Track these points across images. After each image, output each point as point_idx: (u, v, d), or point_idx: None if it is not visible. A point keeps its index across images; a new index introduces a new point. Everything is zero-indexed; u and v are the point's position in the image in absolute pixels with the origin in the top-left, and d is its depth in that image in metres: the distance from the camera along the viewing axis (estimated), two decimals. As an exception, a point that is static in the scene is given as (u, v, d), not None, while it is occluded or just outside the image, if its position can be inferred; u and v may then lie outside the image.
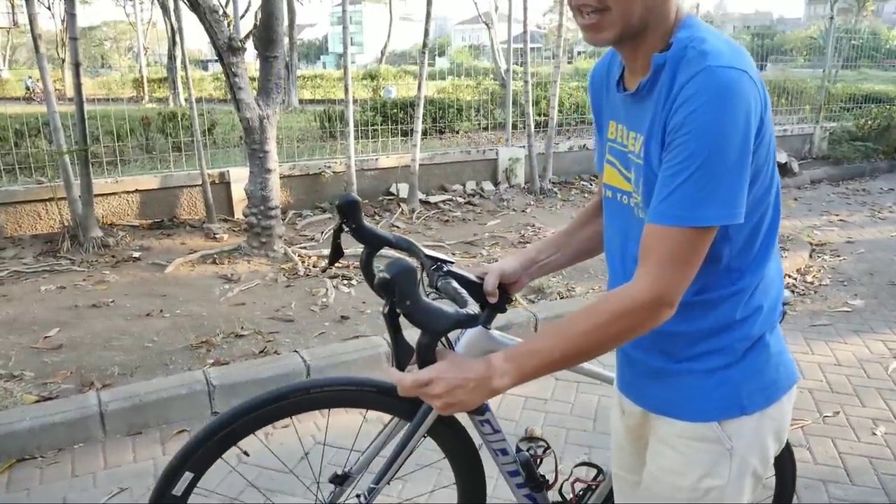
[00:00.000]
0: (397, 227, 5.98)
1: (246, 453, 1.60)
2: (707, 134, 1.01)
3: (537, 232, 5.91)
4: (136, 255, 4.98)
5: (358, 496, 1.66)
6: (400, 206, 6.47)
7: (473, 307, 1.12)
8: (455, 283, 1.32)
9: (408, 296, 0.99)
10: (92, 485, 2.64)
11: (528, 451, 1.66)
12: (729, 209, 1.04)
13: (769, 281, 1.22)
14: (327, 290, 4.38)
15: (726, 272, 1.15)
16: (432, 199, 6.79)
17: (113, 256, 4.95)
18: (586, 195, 7.41)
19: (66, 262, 4.80)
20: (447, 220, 6.25)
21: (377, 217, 6.22)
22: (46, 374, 3.26)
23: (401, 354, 1.09)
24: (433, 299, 1.32)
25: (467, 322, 1.07)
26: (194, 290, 4.39)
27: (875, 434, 2.96)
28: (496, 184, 7.44)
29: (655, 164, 1.10)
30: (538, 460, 1.66)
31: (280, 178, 5.70)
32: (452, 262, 1.42)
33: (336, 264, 1.44)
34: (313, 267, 4.84)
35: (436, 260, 1.41)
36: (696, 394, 1.21)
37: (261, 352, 3.53)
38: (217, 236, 5.42)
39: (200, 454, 1.44)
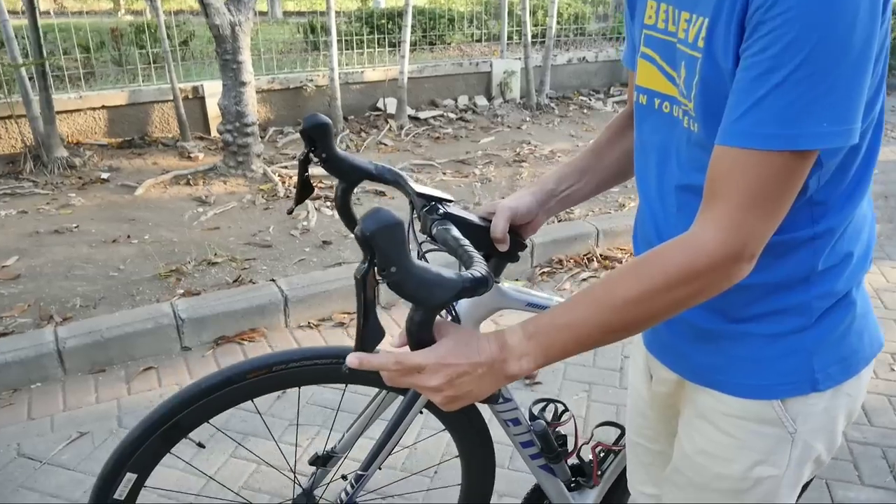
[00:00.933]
0: (385, 144, 5.64)
1: (201, 445, 1.37)
2: (816, 13, 0.69)
3: (533, 150, 5.59)
4: (105, 176, 4.66)
5: (344, 477, 1.43)
6: (387, 123, 6.11)
7: (481, 266, 0.82)
8: (454, 231, 1.01)
9: (393, 260, 0.71)
10: (49, 429, 2.43)
11: (540, 413, 1.41)
12: (843, 124, 0.73)
13: (860, 221, 0.93)
14: (308, 213, 4.10)
15: (808, 208, 0.86)
16: (422, 114, 6.41)
17: (80, 178, 4.62)
18: (585, 111, 7.04)
19: (28, 184, 4.47)
20: (438, 137, 5.90)
21: (363, 134, 5.87)
22: (2, 307, 3.01)
23: (367, 336, 0.80)
24: (427, 252, 1.02)
25: (474, 289, 0.78)
26: (166, 213, 4.10)
27: (894, 370, 2.76)
28: (490, 99, 7.04)
29: (725, 60, 0.78)
30: (554, 428, 1.42)
31: (258, 92, 5.33)
32: (451, 202, 1.11)
33: (311, 194, 1.16)
34: (294, 188, 4.53)
35: (429, 199, 1.10)
36: (755, 364, 0.94)
37: (235, 281, 3.28)
38: (192, 155, 5.08)
39: (141, 453, 1.20)
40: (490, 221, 1.12)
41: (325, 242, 3.72)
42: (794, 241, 0.88)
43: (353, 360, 0.80)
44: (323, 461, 1.45)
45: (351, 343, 2.88)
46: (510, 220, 1.12)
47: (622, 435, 1.51)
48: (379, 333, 0.80)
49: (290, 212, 1.23)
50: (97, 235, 3.76)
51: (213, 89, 5.47)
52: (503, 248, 1.12)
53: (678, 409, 1.10)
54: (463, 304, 1.20)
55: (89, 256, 3.51)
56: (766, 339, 0.93)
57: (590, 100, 7.38)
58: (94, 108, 5.26)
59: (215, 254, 3.52)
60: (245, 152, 4.65)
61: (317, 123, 1.09)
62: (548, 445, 1.37)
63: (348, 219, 1.21)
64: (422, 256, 1.01)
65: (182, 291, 3.16)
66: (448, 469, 2.21)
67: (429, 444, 2.29)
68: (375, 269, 0.72)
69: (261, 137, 5.03)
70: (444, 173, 4.96)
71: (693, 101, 0.85)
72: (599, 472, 1.50)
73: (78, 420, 2.47)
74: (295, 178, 4.65)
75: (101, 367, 2.75)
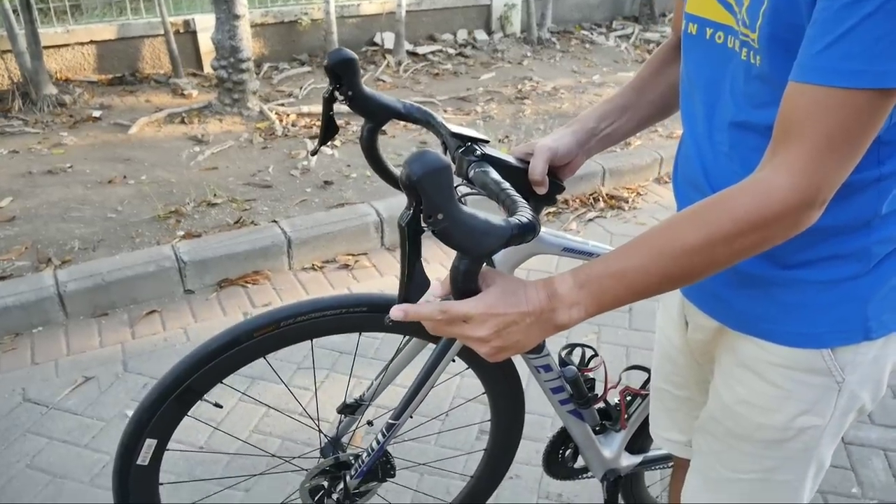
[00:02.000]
0: (383, 80, 5.49)
1: (218, 405, 1.37)
2: None
3: (535, 87, 5.44)
4: (96, 114, 4.52)
5: (369, 422, 1.40)
6: (385, 58, 5.93)
7: (527, 212, 0.77)
8: (494, 173, 0.95)
9: (440, 206, 0.67)
10: (54, 373, 2.40)
11: (568, 357, 1.38)
12: None
13: None
14: (308, 152, 4.00)
15: (875, 147, 0.79)
16: (420, 49, 6.22)
17: (70, 116, 4.49)
18: (587, 46, 6.84)
19: (18, 122, 4.34)
20: (437, 74, 5.74)
21: (361, 70, 5.69)
22: (-2, 249, 2.95)
23: (413, 288, 0.76)
24: (464, 196, 0.95)
25: (522, 236, 0.74)
26: (161, 153, 3.99)
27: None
28: (490, 33, 6.84)
29: None
30: (584, 373, 1.39)
31: (252, 26, 5.13)
32: (487, 142, 1.04)
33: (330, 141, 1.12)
34: (292, 126, 4.42)
35: (465, 139, 1.03)
36: (806, 311, 0.89)
37: (236, 222, 3.21)
38: (185, 93, 4.93)
39: (158, 419, 1.19)
40: (527, 163, 1.06)
41: (326, 182, 3.64)
42: (859, 183, 0.82)
43: (397, 312, 0.76)
44: (351, 409, 1.42)
45: (357, 286, 2.81)
46: (549, 161, 1.05)
47: (649, 379, 1.48)
48: (425, 284, 0.76)
49: (314, 153, 1.18)
50: (92, 176, 3.67)
51: (204, 23, 5.28)
52: (542, 190, 1.06)
53: (713, 356, 1.06)
54: (498, 254, 1.14)
55: (85, 197, 3.42)
56: (819, 285, 0.88)
57: (591, 34, 7.17)
58: (81, 44, 5.07)
59: (215, 194, 3.44)
60: (240, 89, 4.50)
61: (342, 59, 1.01)
62: (578, 391, 1.34)
63: (375, 161, 1.15)
64: (459, 200, 0.96)
65: (182, 233, 3.09)
66: (460, 412, 2.20)
67: (440, 388, 2.27)
68: (421, 215, 0.68)
69: (255, 74, 4.87)
70: (445, 111, 4.84)
71: (758, 31, 0.77)
72: (626, 416, 1.49)
73: (83, 364, 2.44)
74: (292, 116, 4.54)
75: (103, 310, 2.71)
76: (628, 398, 1.48)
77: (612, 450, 1.52)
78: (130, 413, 2.22)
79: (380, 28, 6.25)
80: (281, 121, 4.47)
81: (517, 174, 1.03)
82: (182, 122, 4.44)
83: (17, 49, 4.45)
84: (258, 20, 5.56)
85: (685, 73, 0.96)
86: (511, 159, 1.05)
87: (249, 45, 4.49)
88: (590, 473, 1.60)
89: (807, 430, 0.94)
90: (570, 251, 1.19)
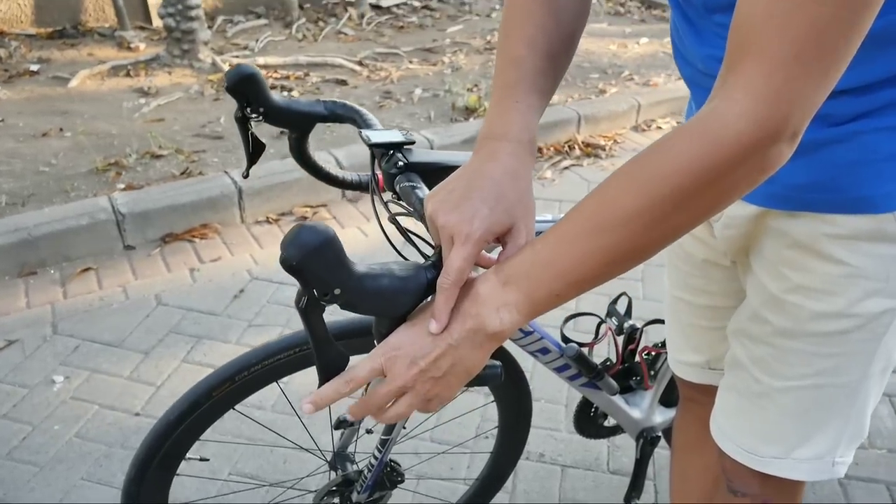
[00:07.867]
0: (345, 33, 5.19)
1: (204, 459, 1.31)
2: None
3: (505, 37, 5.19)
4: (34, 68, 4.17)
5: (368, 431, 1.29)
6: (347, 10, 5.62)
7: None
8: (420, 188, 0.82)
9: (333, 283, 0.61)
10: (-27, 337, 2.14)
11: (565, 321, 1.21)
12: None
13: None
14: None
15: None
16: (384, 2, 5.92)
17: (6, 70, 4.14)
18: (558, -2, 6.57)
19: (-54, 76, 3.99)
20: (402, 27, 5.45)
21: (321, 23, 5.39)
22: (-86, 206, 2.65)
23: (329, 368, 0.67)
24: (397, 215, 0.82)
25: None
26: (103, 105, 3.68)
27: None
28: (457, -14, 6.54)
29: None
30: (590, 348, 1.22)
31: (202, -27, 4.79)
32: (412, 143, 0.87)
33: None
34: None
35: (388, 147, 0.87)
36: (870, 168, 0.70)
37: (182, 173, 2.94)
38: (132, 46, 4.59)
39: (145, 490, 1.10)
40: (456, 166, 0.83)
41: (281, 132, 3.37)
42: None
43: (307, 406, 0.67)
44: (350, 422, 1.27)
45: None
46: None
47: None
48: (341, 361, 0.68)
49: (245, 176, 1.00)
50: (25, 129, 3.35)
51: (151, -29, 4.92)
52: None
53: (749, 249, 0.86)
54: None
55: (15, 151, 3.12)
56: (882, 133, 0.69)
57: (563, -13, 6.90)
58: (16, -7, 4.70)
59: (160, 146, 3.16)
60: (190, 39, 4.19)
61: (242, 76, 0.88)
62: (586, 366, 1.17)
63: (312, 168, 1.01)
64: (394, 221, 0.82)
65: (123, 186, 2.82)
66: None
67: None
68: (317, 295, 0.62)
69: (209, 27, 4.55)
70: (411, 62, 4.57)
71: None
72: (652, 373, 1.32)
73: (6, 327, 2.18)
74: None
75: (31, 269, 2.43)
76: (648, 356, 1.31)
77: (641, 409, 1.36)
78: (58, 378, 1.99)
79: (341, -20, 5.92)
80: (235, 72, 4.17)
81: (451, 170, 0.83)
82: (127, 74, 4.12)
83: (-57, -3, 4.08)
84: (210, -31, 5.22)
85: None
86: (444, 157, 0.87)
87: (198, -9, 4.16)
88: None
89: (877, 316, 0.75)
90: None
